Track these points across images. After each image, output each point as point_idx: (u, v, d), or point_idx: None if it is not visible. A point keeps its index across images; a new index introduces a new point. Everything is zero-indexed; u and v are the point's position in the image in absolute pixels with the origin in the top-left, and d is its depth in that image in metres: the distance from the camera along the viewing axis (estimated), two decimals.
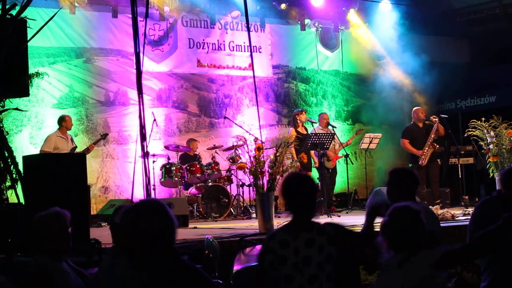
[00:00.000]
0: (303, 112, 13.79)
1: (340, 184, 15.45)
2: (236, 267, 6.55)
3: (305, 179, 4.73)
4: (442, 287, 4.37)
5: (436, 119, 13.67)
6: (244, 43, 16.06)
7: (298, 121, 13.56)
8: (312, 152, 13.61)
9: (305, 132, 13.43)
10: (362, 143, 14.82)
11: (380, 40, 17.28)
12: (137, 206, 3.92)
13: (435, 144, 13.63)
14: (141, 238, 3.72)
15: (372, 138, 14.86)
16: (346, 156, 14.12)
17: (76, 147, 12.62)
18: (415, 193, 5.03)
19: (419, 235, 4.27)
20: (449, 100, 18.21)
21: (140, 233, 3.72)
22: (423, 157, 13.58)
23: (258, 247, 7.39)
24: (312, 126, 14.09)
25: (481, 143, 11.55)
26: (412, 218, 4.29)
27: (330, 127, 14.00)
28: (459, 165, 14.22)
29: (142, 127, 6.95)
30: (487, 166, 11.57)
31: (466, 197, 13.86)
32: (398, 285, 4.23)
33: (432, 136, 13.59)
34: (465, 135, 12.02)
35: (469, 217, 10.70)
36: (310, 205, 4.61)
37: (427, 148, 13.53)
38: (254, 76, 10.59)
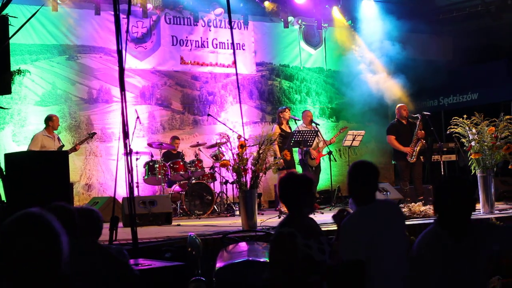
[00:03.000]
0: (287, 110, 13.79)
1: (324, 181, 15.48)
2: (218, 264, 6.55)
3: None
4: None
5: (419, 118, 13.73)
6: (227, 40, 16.06)
7: (282, 119, 13.57)
8: (297, 149, 13.63)
9: (289, 130, 13.44)
10: (345, 140, 14.83)
11: (363, 37, 17.33)
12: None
13: (423, 141, 13.68)
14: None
15: (355, 135, 14.88)
16: (330, 153, 14.14)
17: (63, 145, 12.59)
18: (376, 185, 5.03)
19: None
20: (431, 98, 18.31)
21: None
22: (413, 154, 13.61)
23: (241, 244, 7.41)
24: (296, 123, 14.11)
25: (463, 140, 11.57)
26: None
27: (313, 125, 14.00)
28: (441, 162, 14.27)
29: (125, 125, 6.94)
30: (469, 163, 11.60)
31: None
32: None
33: (418, 133, 13.64)
34: (448, 132, 12.04)
35: None
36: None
37: (414, 145, 13.58)
38: (237, 74, 10.58)
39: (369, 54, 17.20)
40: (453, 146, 14.85)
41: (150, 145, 13.73)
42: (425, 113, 14.15)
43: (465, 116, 11.52)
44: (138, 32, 15.18)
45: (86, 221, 5.25)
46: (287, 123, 13.59)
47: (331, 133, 16.98)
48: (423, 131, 13.65)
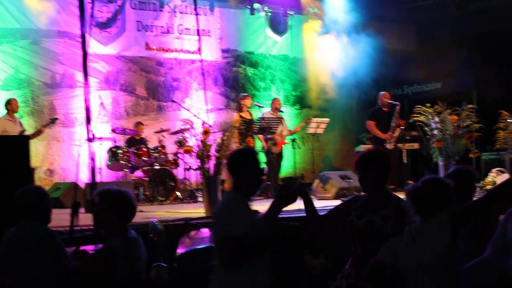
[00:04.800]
0: (248, 97, 13.79)
1: (287, 168, 15.51)
2: (180, 251, 6.56)
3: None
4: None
5: (398, 105, 13.89)
6: (193, 26, 15.98)
7: (243, 106, 13.58)
8: (260, 136, 13.66)
9: (249, 117, 13.45)
10: (309, 127, 14.86)
11: (328, 26, 17.36)
12: None
13: (401, 128, 13.80)
14: None
15: (319, 123, 14.93)
16: (293, 140, 14.18)
17: (24, 130, 12.49)
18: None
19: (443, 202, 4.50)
20: (396, 86, 18.39)
21: None
22: (391, 141, 13.74)
23: (203, 230, 7.42)
24: (260, 110, 14.13)
25: (426, 128, 11.67)
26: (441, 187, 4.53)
27: (279, 113, 14.05)
28: (404, 150, 14.38)
29: (88, 110, 6.91)
30: (431, 152, 11.71)
31: (411, 182, 14.02)
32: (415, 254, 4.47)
33: (396, 120, 13.78)
34: (411, 120, 12.14)
35: None
36: None
37: (392, 132, 13.72)
38: (201, 60, 10.59)
39: (334, 42, 17.23)
40: (416, 134, 14.95)
41: (113, 130, 13.66)
42: (389, 101, 14.27)
43: (428, 105, 11.61)
44: (103, 17, 15.06)
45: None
46: (248, 110, 13.58)
47: (295, 120, 17.04)
48: (403, 120, 13.78)
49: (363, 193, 5.19)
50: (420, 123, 11.74)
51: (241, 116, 13.26)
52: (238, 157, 4.94)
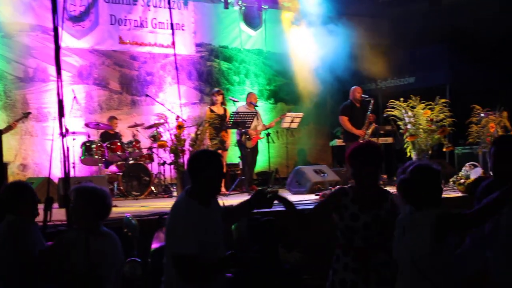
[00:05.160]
0: (219, 92, 13.79)
1: (262, 163, 15.50)
2: (154, 245, 6.54)
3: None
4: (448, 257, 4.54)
5: (372, 100, 13.95)
6: (167, 20, 15.91)
7: (214, 101, 13.58)
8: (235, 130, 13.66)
9: (222, 112, 13.44)
10: (283, 122, 14.86)
11: (303, 20, 17.38)
12: None
13: (375, 124, 13.86)
14: None
15: (294, 117, 14.93)
16: (268, 135, 14.19)
17: None
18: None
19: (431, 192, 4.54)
20: (369, 81, 18.45)
21: None
22: (366, 137, 13.77)
23: None
24: (234, 105, 14.12)
25: (400, 123, 11.72)
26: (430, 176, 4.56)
27: (254, 107, 14.06)
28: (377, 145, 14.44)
29: (61, 104, 6.84)
30: (405, 146, 11.77)
31: (385, 176, 14.13)
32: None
33: (369, 115, 13.83)
34: (384, 115, 12.19)
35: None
36: None
37: (366, 128, 13.76)
38: (175, 54, 10.55)
39: (308, 37, 17.25)
40: (390, 128, 15.01)
41: (87, 125, 13.58)
42: (363, 96, 14.32)
43: (401, 99, 11.65)
44: (76, 11, 14.94)
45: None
46: (222, 105, 13.57)
47: (269, 114, 17.05)
48: (373, 114, 13.83)
49: (348, 186, 5.18)
50: (393, 118, 11.79)
51: (212, 111, 13.24)
52: (196, 160, 4.83)
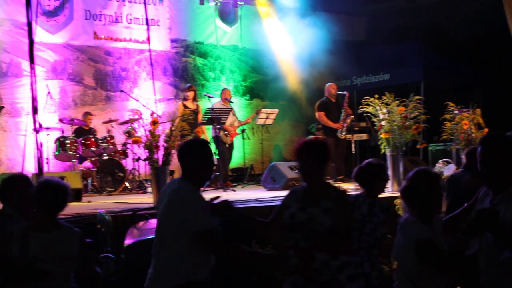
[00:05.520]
0: (191, 88, 13.78)
1: (237, 159, 15.52)
2: (127, 241, 6.53)
3: None
4: None
5: (346, 95, 14.10)
6: (142, 15, 15.80)
7: (186, 96, 13.57)
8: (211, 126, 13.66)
9: (194, 107, 13.42)
10: (258, 118, 14.90)
11: (278, 16, 17.39)
12: None
13: (352, 117, 13.99)
14: None
15: (269, 113, 14.98)
16: (243, 131, 14.20)
17: None
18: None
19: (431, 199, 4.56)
20: (345, 77, 18.52)
21: None
22: (343, 130, 13.92)
23: (152, 221, 7.39)
24: (210, 100, 14.11)
25: (374, 119, 11.76)
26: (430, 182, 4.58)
27: (229, 103, 14.07)
28: (353, 141, 14.51)
29: (34, 100, 6.81)
30: (379, 142, 11.81)
31: None
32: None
33: (346, 108, 13.98)
34: (359, 111, 12.24)
35: (361, 192, 11.01)
36: None
37: (343, 121, 13.89)
38: (150, 50, 10.51)
39: (284, 33, 17.27)
40: (365, 125, 15.08)
41: (61, 120, 13.51)
42: (339, 92, 14.42)
43: (376, 96, 11.70)
44: (50, 5, 14.81)
45: None
46: (194, 101, 13.54)
47: (245, 111, 17.06)
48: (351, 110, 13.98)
49: (303, 184, 5.16)
50: (368, 114, 11.83)
51: (186, 106, 13.21)
52: (190, 147, 4.96)
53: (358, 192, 6.13)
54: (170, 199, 4.79)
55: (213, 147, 13.65)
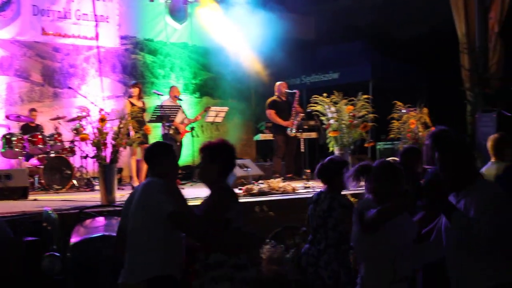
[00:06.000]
0: (135, 85, 13.72)
1: (186, 157, 15.47)
2: (74, 239, 6.47)
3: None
4: None
5: (296, 93, 14.19)
6: (90, 12, 15.70)
7: (131, 93, 13.53)
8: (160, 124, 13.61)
9: (140, 105, 13.36)
10: (207, 116, 14.89)
11: (228, 14, 17.38)
12: None
13: (302, 114, 14.05)
14: None
15: (218, 111, 14.98)
16: (192, 129, 14.17)
17: None
18: None
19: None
20: (294, 76, 18.59)
21: None
22: (293, 127, 13.99)
23: (98, 219, 7.34)
24: (159, 98, 14.06)
25: (323, 118, 11.84)
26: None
27: (177, 101, 14.03)
28: (302, 139, 14.58)
29: None
30: (328, 141, 11.90)
31: (308, 171, 14.26)
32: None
33: (296, 105, 14.05)
34: (308, 110, 12.31)
35: (310, 190, 11.09)
36: None
37: (294, 118, 13.96)
38: (98, 47, 10.42)
39: (233, 31, 17.28)
40: (314, 124, 15.18)
41: (7, 117, 13.35)
42: (288, 91, 14.48)
43: (324, 94, 11.78)
44: None
45: None
46: (139, 98, 13.50)
47: (195, 108, 17.02)
48: (301, 108, 14.07)
49: None
50: (317, 113, 11.91)
51: (133, 104, 13.15)
52: (158, 148, 5.29)
53: (321, 189, 6.25)
54: (142, 190, 4.98)
55: None
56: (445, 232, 4.60)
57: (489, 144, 7.83)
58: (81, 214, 7.67)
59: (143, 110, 13.22)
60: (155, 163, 5.15)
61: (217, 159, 5.08)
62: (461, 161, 4.55)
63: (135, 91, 13.44)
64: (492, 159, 7.73)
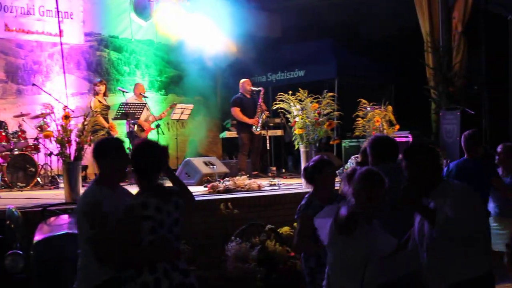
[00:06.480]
0: (101, 83, 13.64)
1: None
2: (37, 237, 6.42)
3: (158, 145, 5.11)
4: None
5: (261, 90, 14.23)
6: (55, 8, 15.54)
7: (98, 91, 13.44)
8: (125, 121, 13.54)
9: (104, 103, 13.28)
10: (173, 113, 14.87)
11: (194, 11, 17.33)
12: None
13: (267, 112, 14.10)
14: None
15: (184, 109, 14.97)
16: (158, 126, 14.13)
17: None
18: None
19: None
20: (260, 73, 18.60)
21: None
22: (258, 125, 14.02)
23: (62, 217, 7.28)
24: (124, 95, 13.99)
25: (288, 116, 11.87)
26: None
27: (143, 99, 13.99)
28: (267, 137, 14.61)
29: None
30: (293, 138, 11.93)
31: (274, 168, 14.31)
32: None
33: (261, 103, 14.10)
34: (274, 108, 12.34)
35: (276, 187, 11.12)
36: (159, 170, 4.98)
37: (259, 116, 13.99)
38: (61, 43, 10.33)
39: (199, 29, 17.22)
40: (279, 121, 15.23)
41: None
42: (254, 88, 14.51)
43: (290, 92, 11.80)
44: None
45: None
46: (104, 95, 13.41)
47: (161, 106, 16.96)
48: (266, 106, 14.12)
49: None
50: (282, 111, 11.93)
51: (100, 101, 13.07)
52: (102, 146, 5.00)
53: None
54: (79, 199, 4.96)
55: (127, 142, 13.57)
56: (419, 233, 4.76)
57: (462, 141, 8.10)
58: (45, 212, 7.60)
59: (107, 107, 13.16)
60: (97, 165, 5.02)
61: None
62: (429, 167, 4.72)
63: (102, 88, 13.36)
64: (466, 156, 8.01)
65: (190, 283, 4.75)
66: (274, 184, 11.68)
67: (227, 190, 10.51)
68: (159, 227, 4.64)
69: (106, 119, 12.05)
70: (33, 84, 14.29)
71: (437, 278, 4.74)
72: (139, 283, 4.56)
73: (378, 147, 5.95)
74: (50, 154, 12.88)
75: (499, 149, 8.47)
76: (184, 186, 5.32)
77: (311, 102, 11.61)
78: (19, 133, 13.03)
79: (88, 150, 10.07)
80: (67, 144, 9.39)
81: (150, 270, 4.58)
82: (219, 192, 10.37)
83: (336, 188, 5.90)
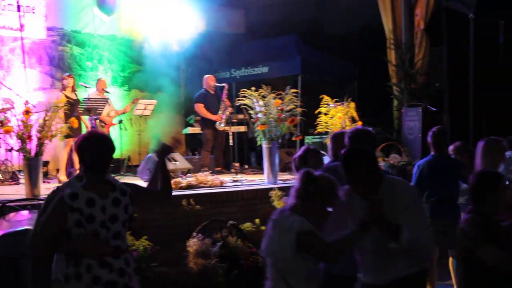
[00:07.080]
0: (69, 77, 13.54)
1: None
2: None
3: (105, 137, 4.86)
4: None
5: (225, 86, 14.27)
6: (16, 2, 15.39)
7: (66, 86, 13.35)
8: (86, 117, 13.43)
9: (74, 97, 13.20)
10: (136, 109, 14.83)
11: (158, 6, 17.25)
12: None
13: (231, 109, 14.12)
14: None
15: (147, 104, 14.94)
16: (120, 122, 14.07)
17: None
18: None
19: None
20: (224, 69, 18.60)
21: None
22: (222, 121, 14.05)
23: (22, 212, 7.22)
24: (86, 90, 13.91)
25: (251, 112, 11.89)
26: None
27: (105, 94, 13.92)
28: (231, 133, 14.62)
29: None
30: (256, 135, 11.95)
31: (237, 164, 14.31)
32: None
33: (225, 100, 14.13)
34: (237, 104, 12.35)
35: (238, 183, 11.15)
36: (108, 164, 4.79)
37: (223, 112, 14.02)
38: (22, 38, 10.23)
39: (163, 24, 17.15)
40: (243, 117, 15.25)
41: None
42: (217, 84, 14.53)
43: (253, 88, 11.82)
44: None
45: None
46: (73, 90, 13.33)
47: (123, 101, 16.88)
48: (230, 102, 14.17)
49: None
50: (245, 107, 11.94)
51: (67, 96, 12.99)
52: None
53: None
54: None
55: None
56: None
57: (430, 138, 8.23)
58: (4, 207, 7.54)
59: (77, 102, 13.07)
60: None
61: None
62: (370, 171, 4.74)
63: (70, 82, 13.26)
64: (432, 152, 8.13)
65: (125, 283, 4.57)
66: (237, 180, 11.71)
67: (189, 186, 10.52)
68: (87, 222, 4.47)
69: (69, 115, 11.92)
70: None
71: (379, 274, 4.80)
72: (64, 274, 4.50)
73: (359, 139, 5.95)
74: (11, 149, 12.75)
75: (450, 150, 8.58)
76: (166, 185, 5.25)
77: (273, 98, 11.64)
78: None
79: (49, 146, 10.03)
80: (27, 140, 9.32)
81: (75, 263, 4.48)
82: (181, 188, 10.36)
83: None
